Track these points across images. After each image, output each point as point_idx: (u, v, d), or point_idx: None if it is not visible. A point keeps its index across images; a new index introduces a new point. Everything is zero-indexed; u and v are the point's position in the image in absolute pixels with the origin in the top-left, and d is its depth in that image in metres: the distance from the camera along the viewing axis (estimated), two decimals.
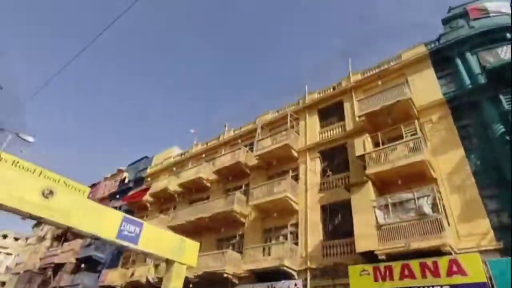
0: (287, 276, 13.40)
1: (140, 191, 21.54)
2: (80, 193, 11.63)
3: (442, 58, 15.02)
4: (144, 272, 18.93)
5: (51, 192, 10.59)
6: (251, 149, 19.52)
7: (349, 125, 16.20)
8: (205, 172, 20.59)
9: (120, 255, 23.94)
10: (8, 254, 49.63)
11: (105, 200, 30.98)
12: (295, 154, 17.07)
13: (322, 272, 12.93)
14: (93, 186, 35.07)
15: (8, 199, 9.58)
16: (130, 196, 20.37)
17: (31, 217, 10.68)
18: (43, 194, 10.44)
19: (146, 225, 13.18)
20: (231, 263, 15.24)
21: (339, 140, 16.11)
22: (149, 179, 26.67)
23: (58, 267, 27.71)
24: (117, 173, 32.21)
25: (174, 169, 24.69)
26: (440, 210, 10.44)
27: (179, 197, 22.23)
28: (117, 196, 28.89)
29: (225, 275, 14.90)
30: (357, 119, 15.88)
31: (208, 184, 20.52)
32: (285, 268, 13.16)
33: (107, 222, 11.78)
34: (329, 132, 16.96)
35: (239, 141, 21.14)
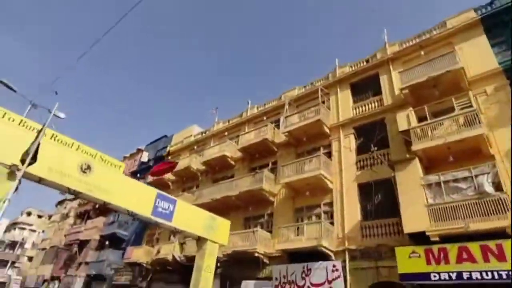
0: (323, 257, 12.80)
1: (167, 164, 21.04)
2: (116, 168, 11.13)
3: (496, 24, 13.54)
4: (169, 250, 18.77)
5: (88, 167, 10.11)
6: (277, 127, 18.68)
7: (387, 99, 15.05)
8: (230, 150, 19.92)
9: (143, 233, 23.97)
10: (32, 230, 51.26)
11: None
12: (327, 131, 16.11)
13: (362, 253, 12.26)
14: None
15: (48, 173, 9.13)
16: (158, 167, 19.86)
17: (69, 191, 10.28)
18: (81, 169, 9.97)
19: (179, 202, 12.70)
20: (262, 243, 14.76)
21: (376, 115, 15.03)
22: (169, 157, 26.25)
23: (83, 244, 28.14)
24: (137, 152, 31.98)
25: (196, 147, 24.13)
26: (504, 189, 9.46)
27: (202, 175, 21.75)
28: (138, 175, 28.72)
29: (257, 254, 14.47)
30: (396, 92, 14.75)
31: (233, 162, 19.88)
32: (322, 248, 12.55)
33: (142, 199, 11.34)
34: (364, 107, 15.86)
35: (264, 118, 20.25)
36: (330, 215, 14.14)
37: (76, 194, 10.42)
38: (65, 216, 34.73)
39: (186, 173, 22.23)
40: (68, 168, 9.53)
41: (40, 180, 9.56)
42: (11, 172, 8.34)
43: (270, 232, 15.66)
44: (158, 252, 19.34)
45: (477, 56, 13.29)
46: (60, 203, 38.71)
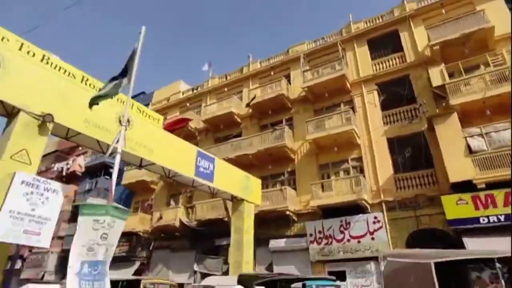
0: (358, 210, 13.04)
1: (182, 120, 18.82)
2: (155, 122, 9.40)
3: None
4: (174, 216, 17.49)
5: (128, 120, 8.29)
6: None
7: (410, 56, 15.15)
8: (235, 106, 18.60)
9: (129, 200, 21.91)
10: None
11: None
12: (348, 86, 15.83)
13: (400, 204, 12.73)
14: None
15: (86, 127, 7.28)
16: (169, 125, 17.64)
17: (103, 152, 8.45)
18: (120, 122, 8.13)
19: (218, 161, 11.54)
20: (290, 200, 14.46)
21: (399, 72, 15.11)
22: None
23: None
24: None
25: (188, 104, 22.11)
26: None
27: (200, 134, 20.18)
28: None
29: (288, 212, 14.17)
30: (420, 49, 14.89)
31: (239, 120, 18.69)
32: (362, 202, 12.72)
33: (184, 157, 9.99)
34: (384, 64, 15.80)
35: (272, 73, 19.10)
36: (360, 170, 14.29)
37: (117, 153, 8.65)
38: None
39: (181, 132, 20.35)
40: (105, 120, 7.78)
41: (68, 137, 7.65)
42: (43, 124, 6.42)
43: (294, 189, 15.38)
44: (160, 218, 17.89)
45: (497, 17, 13.81)
46: None
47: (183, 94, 23.27)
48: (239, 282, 7.29)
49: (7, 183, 5.58)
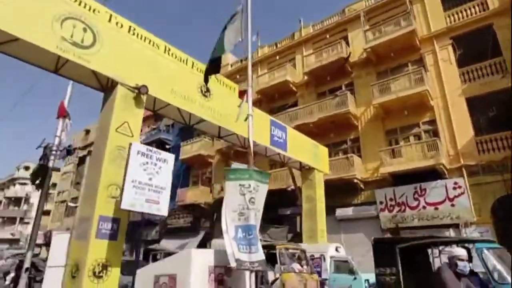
0: (434, 176, 12.19)
1: (240, 92, 18.84)
2: (231, 91, 9.20)
3: None
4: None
5: (208, 90, 8.17)
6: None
7: (493, 2, 13.25)
8: (290, 75, 17.95)
9: (187, 174, 22.70)
10: None
11: (148, 119, 28.58)
12: (417, 44, 14.41)
13: (483, 168, 11.69)
14: None
15: (173, 98, 7.19)
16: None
17: (187, 124, 8.48)
18: (201, 91, 8.03)
19: (289, 129, 11.24)
20: (357, 168, 13.93)
21: (479, 21, 13.35)
22: None
23: None
24: None
25: (238, 76, 21.79)
26: None
27: (253, 106, 19.89)
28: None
29: (356, 180, 13.72)
30: None
31: (294, 89, 18.09)
32: (439, 167, 11.86)
33: (259, 126, 9.73)
34: (460, 14, 14.03)
35: (327, 36, 17.95)
36: (433, 134, 13.25)
37: (196, 125, 8.66)
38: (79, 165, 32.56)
39: None
40: (189, 91, 7.65)
41: (156, 109, 7.65)
42: (138, 96, 6.37)
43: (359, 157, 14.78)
44: (221, 190, 18.33)
45: None
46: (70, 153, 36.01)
47: (231, 66, 22.94)
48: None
49: (115, 155, 5.73)
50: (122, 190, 4.74)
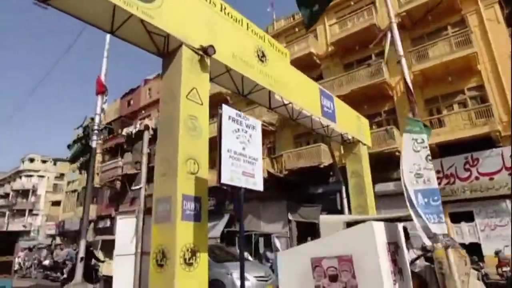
0: (487, 144, 11.50)
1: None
2: (283, 56, 8.31)
3: None
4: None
5: (263, 55, 7.29)
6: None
7: None
8: (313, 46, 16.94)
9: None
10: (40, 176, 48.07)
11: (157, 103, 27.58)
12: (459, 4, 13.39)
13: None
14: (131, 92, 31.09)
15: (235, 62, 6.34)
16: None
17: (240, 92, 7.64)
18: (258, 56, 7.15)
19: (335, 99, 10.42)
20: (398, 140, 13.21)
21: None
22: None
23: (128, 178, 25.97)
24: None
25: None
26: None
27: None
28: None
29: (397, 153, 13.00)
30: None
31: (318, 61, 17.11)
32: (494, 134, 11.16)
33: (310, 95, 8.91)
34: None
35: (351, 3, 16.83)
36: (481, 100, 12.47)
37: (246, 96, 7.82)
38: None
39: None
40: (247, 55, 6.78)
41: (212, 77, 6.78)
42: (202, 59, 5.51)
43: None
44: None
45: None
46: (77, 141, 35.19)
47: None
48: None
49: (189, 126, 4.94)
50: (219, 161, 3.98)
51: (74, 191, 32.35)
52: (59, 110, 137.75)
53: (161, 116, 5.32)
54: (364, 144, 11.71)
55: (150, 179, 21.04)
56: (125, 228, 5.42)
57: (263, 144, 18.48)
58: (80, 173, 24.50)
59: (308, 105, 8.66)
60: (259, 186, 4.41)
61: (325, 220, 5.44)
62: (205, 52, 5.40)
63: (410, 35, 14.61)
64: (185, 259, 4.26)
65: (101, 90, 7.77)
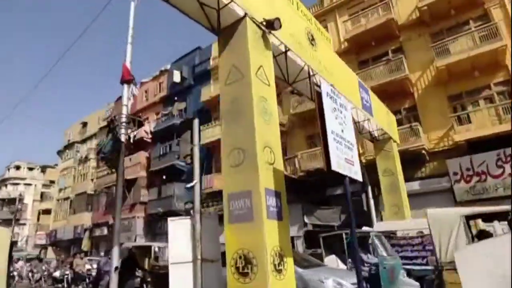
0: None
1: None
2: (328, 42, 7.69)
3: None
4: None
5: (313, 38, 6.65)
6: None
7: None
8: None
9: (209, 160, 21.09)
10: (27, 184, 45.81)
11: (155, 106, 26.63)
12: None
13: None
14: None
15: (291, 41, 5.66)
16: None
17: (288, 79, 6.98)
18: (309, 39, 6.51)
19: (370, 92, 9.86)
20: (422, 139, 12.76)
21: None
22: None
23: (128, 184, 24.73)
24: (161, 74, 26.92)
25: None
26: None
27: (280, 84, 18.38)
28: (176, 98, 24.52)
29: (423, 151, 12.57)
30: None
31: None
32: None
33: (351, 86, 8.34)
34: None
35: None
36: (509, 95, 12.16)
37: (292, 84, 7.15)
38: (84, 160, 30.28)
39: None
40: (300, 37, 6.14)
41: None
42: (264, 36, 4.84)
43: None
44: None
45: None
46: (68, 147, 33.67)
47: None
48: None
49: (261, 108, 4.21)
50: (325, 145, 3.26)
51: (67, 198, 30.75)
52: (47, 116, 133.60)
53: (224, 98, 4.56)
54: (395, 141, 11.20)
55: (151, 185, 19.87)
56: (178, 232, 4.59)
57: None
58: (111, 172, 23.00)
59: (351, 96, 8.05)
60: (359, 176, 3.70)
61: (435, 214, 4.76)
62: (271, 26, 4.70)
63: (429, 30, 14.30)
64: (275, 265, 3.50)
65: (128, 78, 6.95)
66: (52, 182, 40.55)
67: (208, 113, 21.91)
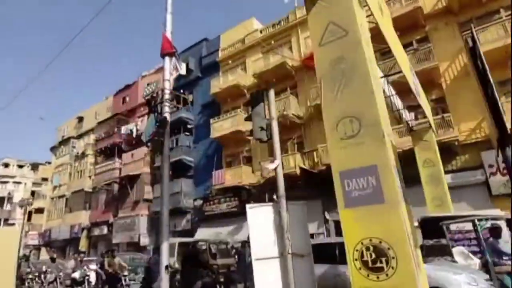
0: None
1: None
2: (388, 17, 7.01)
3: None
4: (293, 163, 15.76)
5: (381, 9, 5.97)
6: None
7: None
8: None
9: (218, 155, 20.25)
10: (17, 182, 43.95)
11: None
12: None
13: None
14: (126, 88, 28.79)
15: (375, 5, 4.96)
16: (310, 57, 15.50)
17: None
18: (380, 8, 5.82)
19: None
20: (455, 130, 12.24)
21: None
22: (230, 61, 21.27)
23: (130, 180, 23.68)
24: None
25: (273, 42, 19.37)
26: None
27: (299, 73, 17.72)
28: (182, 91, 23.52)
29: (456, 143, 12.05)
30: None
31: None
32: None
33: (408, 67, 7.72)
34: None
35: None
36: None
37: None
38: (81, 157, 28.99)
39: (277, 73, 17.99)
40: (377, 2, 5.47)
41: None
42: None
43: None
44: (274, 169, 16.14)
45: None
46: (63, 143, 32.26)
47: (261, 32, 20.39)
48: None
49: (372, 71, 3.47)
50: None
51: (62, 196, 29.40)
52: (37, 114, 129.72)
53: (321, 61, 3.80)
54: (433, 131, 10.63)
55: (155, 181, 18.79)
56: (260, 221, 3.83)
57: (290, 138, 17.21)
58: (155, 155, 21.11)
59: (409, 79, 7.43)
60: None
61: None
62: None
63: (457, 19, 13.82)
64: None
65: (170, 49, 6.14)
66: (44, 179, 38.93)
67: (217, 106, 21.10)
